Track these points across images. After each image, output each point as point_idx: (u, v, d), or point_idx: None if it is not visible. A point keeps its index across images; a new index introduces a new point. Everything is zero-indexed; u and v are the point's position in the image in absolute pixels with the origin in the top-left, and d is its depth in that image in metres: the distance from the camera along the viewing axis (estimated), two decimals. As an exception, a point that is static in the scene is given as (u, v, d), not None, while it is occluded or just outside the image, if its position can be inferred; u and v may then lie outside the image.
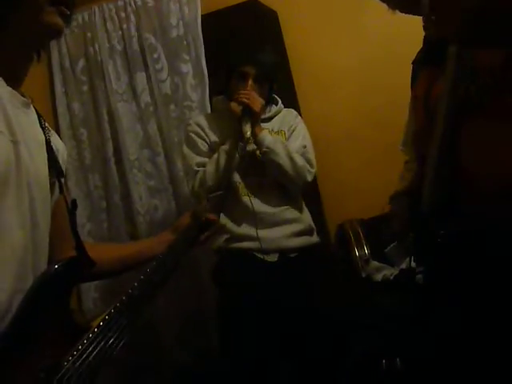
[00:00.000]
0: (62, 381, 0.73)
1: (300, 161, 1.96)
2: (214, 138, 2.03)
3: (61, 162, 0.98)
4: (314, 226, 2.07)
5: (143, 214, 2.55)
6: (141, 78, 2.61)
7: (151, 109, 2.60)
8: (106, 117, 2.60)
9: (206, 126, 2.06)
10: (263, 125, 2.02)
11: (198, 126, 2.06)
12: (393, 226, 1.28)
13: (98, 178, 2.65)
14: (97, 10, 2.64)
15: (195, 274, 2.44)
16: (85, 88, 2.66)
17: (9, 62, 0.87)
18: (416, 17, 1.04)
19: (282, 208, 1.99)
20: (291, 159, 1.94)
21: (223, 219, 1.91)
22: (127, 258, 1.16)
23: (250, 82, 1.96)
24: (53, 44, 2.64)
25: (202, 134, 2.05)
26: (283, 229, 1.96)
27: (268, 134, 1.97)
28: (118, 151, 2.59)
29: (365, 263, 2.06)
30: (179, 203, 2.56)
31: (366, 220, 2.27)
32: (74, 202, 0.95)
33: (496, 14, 0.65)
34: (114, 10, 2.63)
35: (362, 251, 2.11)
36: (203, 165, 1.99)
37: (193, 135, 2.05)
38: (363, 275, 2.04)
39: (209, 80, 2.51)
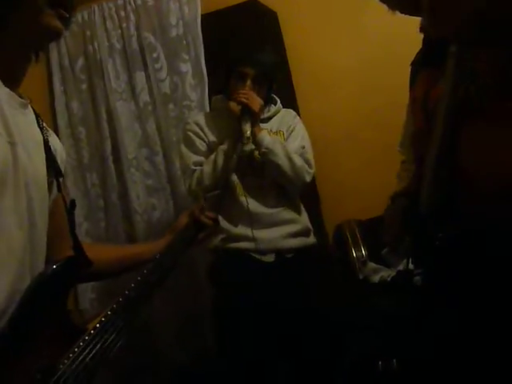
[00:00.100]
0: (58, 383, 0.73)
1: (299, 161, 1.96)
2: (212, 137, 2.03)
3: (59, 161, 0.98)
4: (311, 226, 2.07)
5: (141, 213, 2.55)
6: (140, 77, 2.60)
7: (150, 108, 2.60)
8: (104, 115, 2.60)
9: (205, 126, 2.06)
10: (262, 125, 2.01)
11: (197, 125, 2.06)
12: (383, 236, 1.28)
13: (96, 176, 2.64)
14: (96, 8, 2.63)
15: (192, 274, 2.44)
16: (84, 87, 2.66)
17: (7, 62, 0.87)
18: (416, 17, 1.04)
19: (280, 208, 1.99)
20: (290, 160, 1.94)
21: (220, 219, 1.91)
22: (126, 258, 1.16)
23: (249, 82, 1.96)
24: (52, 43, 2.64)
25: (201, 133, 2.04)
26: (280, 229, 1.96)
27: (267, 135, 1.97)
28: (116, 150, 2.59)
29: (362, 264, 2.06)
30: (177, 202, 2.56)
31: (363, 221, 2.27)
32: (72, 202, 0.95)
33: (496, 13, 0.65)
34: (113, 9, 2.63)
35: (359, 252, 2.11)
36: (200, 164, 1.98)
37: (191, 134, 2.05)
38: (360, 276, 2.04)
39: (208, 80, 2.51)
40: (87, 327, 0.81)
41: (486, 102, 0.89)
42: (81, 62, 2.66)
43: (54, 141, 1.00)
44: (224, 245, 1.96)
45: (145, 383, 2.30)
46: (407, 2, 0.95)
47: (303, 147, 2.03)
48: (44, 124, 0.97)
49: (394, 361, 1.69)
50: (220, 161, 1.93)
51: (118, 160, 2.59)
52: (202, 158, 2.00)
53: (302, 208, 2.08)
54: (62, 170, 0.98)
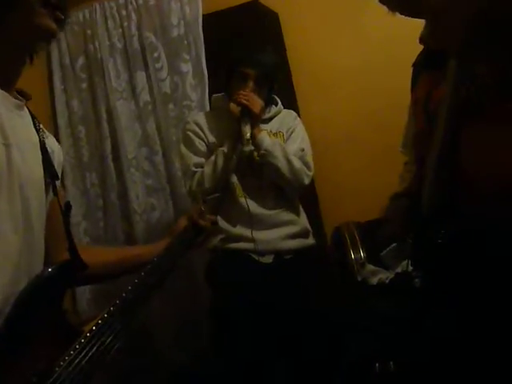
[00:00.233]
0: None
1: (297, 164, 1.96)
2: (212, 138, 2.02)
3: (56, 164, 0.98)
4: (310, 228, 2.07)
5: (140, 213, 2.55)
6: (140, 76, 2.60)
7: (150, 107, 2.60)
8: (104, 115, 2.60)
9: (205, 126, 2.05)
10: (262, 126, 2.01)
11: (197, 124, 2.06)
12: (385, 231, 1.28)
13: (96, 175, 2.64)
14: (98, 7, 2.63)
15: (190, 275, 2.43)
16: (84, 85, 2.66)
17: (1, 64, 0.86)
18: (416, 19, 1.03)
19: (279, 210, 1.99)
20: (289, 162, 1.94)
21: (219, 219, 1.90)
22: (124, 261, 1.15)
23: (251, 83, 1.96)
24: (52, 41, 2.64)
25: (201, 133, 2.04)
26: (279, 231, 1.97)
27: (267, 136, 1.97)
28: (115, 149, 2.59)
29: (360, 266, 2.06)
30: (176, 203, 2.56)
31: (362, 223, 2.27)
32: (67, 205, 0.94)
33: (498, 13, 0.65)
34: (114, 8, 2.63)
35: (357, 254, 2.11)
36: (201, 165, 1.98)
37: (191, 134, 2.04)
38: (359, 278, 2.04)
39: (208, 80, 2.50)
40: (84, 329, 0.81)
41: (487, 103, 0.89)
42: (81, 60, 2.66)
43: (51, 142, 0.99)
44: (223, 245, 1.96)
45: (142, 384, 2.29)
46: (407, 3, 0.95)
47: (302, 149, 2.03)
48: (41, 126, 0.97)
49: (391, 363, 1.69)
50: (220, 162, 1.92)
51: (117, 159, 2.59)
52: (202, 160, 1.99)
53: (301, 209, 2.08)
54: (59, 173, 0.98)
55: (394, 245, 1.70)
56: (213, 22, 2.52)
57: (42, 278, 0.81)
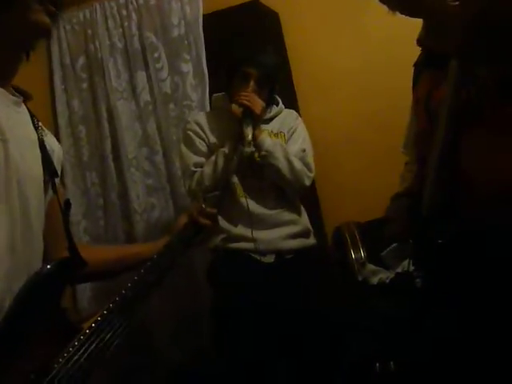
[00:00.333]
0: (52, 382, 0.72)
1: (298, 165, 1.96)
2: (212, 138, 2.02)
3: (55, 162, 0.97)
4: (311, 228, 2.07)
5: (140, 213, 2.55)
6: (141, 76, 2.60)
7: (150, 107, 2.60)
8: (105, 114, 2.60)
9: (206, 126, 2.05)
10: (263, 126, 2.01)
11: (197, 124, 2.05)
12: (387, 231, 1.28)
13: (96, 175, 2.64)
14: (98, 7, 2.63)
15: (190, 274, 2.43)
16: (84, 85, 2.66)
17: None
18: (417, 19, 1.03)
19: (280, 210, 1.99)
20: (290, 163, 1.93)
21: (220, 219, 1.90)
22: (124, 258, 1.15)
23: (252, 83, 1.96)
24: (53, 40, 2.64)
25: (201, 133, 2.04)
26: (280, 230, 1.96)
27: (268, 137, 1.97)
28: (116, 149, 2.59)
29: (361, 266, 2.06)
30: (176, 202, 2.56)
31: (362, 223, 2.27)
32: (67, 203, 0.94)
33: (496, 30, 0.65)
34: (115, 8, 2.63)
35: (358, 254, 2.11)
36: (201, 165, 1.98)
37: (191, 134, 2.04)
38: (359, 278, 2.04)
39: (209, 80, 2.50)
40: (83, 326, 0.81)
41: (487, 105, 0.89)
42: (82, 60, 2.66)
43: (51, 141, 0.99)
44: (224, 245, 1.95)
45: (141, 383, 2.30)
46: (407, 3, 0.95)
47: (304, 150, 2.03)
48: (40, 123, 0.97)
49: (392, 363, 1.69)
50: (220, 162, 1.92)
51: (117, 159, 2.59)
52: (202, 159, 1.99)
53: (302, 209, 2.08)
54: (59, 171, 0.98)
55: (395, 245, 1.70)
56: (213, 21, 2.52)
57: (40, 275, 0.81)
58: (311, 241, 2.05)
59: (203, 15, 2.54)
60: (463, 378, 0.96)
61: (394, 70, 2.09)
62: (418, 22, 1.02)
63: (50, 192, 0.96)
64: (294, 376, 1.85)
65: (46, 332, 0.78)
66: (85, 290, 2.51)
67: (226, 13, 2.53)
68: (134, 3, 2.61)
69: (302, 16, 2.67)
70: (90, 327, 0.80)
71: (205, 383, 2.12)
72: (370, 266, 2.05)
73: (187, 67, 2.56)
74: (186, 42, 2.56)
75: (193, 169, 1.98)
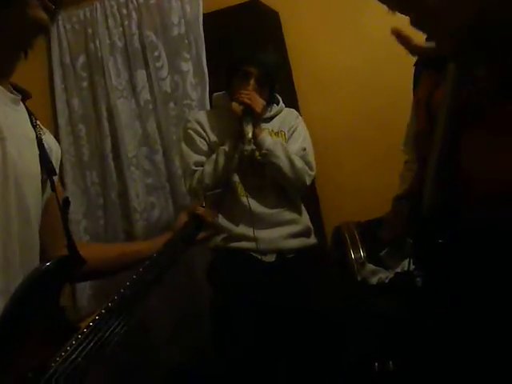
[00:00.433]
0: (49, 381, 0.72)
1: (299, 163, 1.96)
2: (213, 137, 2.02)
3: (53, 160, 0.97)
4: (311, 227, 2.07)
5: (140, 212, 2.55)
6: (141, 75, 2.60)
7: (150, 106, 2.60)
8: (105, 113, 2.60)
9: (206, 124, 2.05)
10: (263, 125, 2.01)
11: (198, 123, 2.05)
12: (383, 234, 1.28)
13: (96, 174, 2.64)
14: (98, 6, 2.63)
15: (189, 272, 2.43)
16: (84, 84, 2.66)
17: None
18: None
19: (281, 209, 1.98)
20: (291, 161, 1.93)
21: (221, 218, 1.91)
22: (124, 256, 1.15)
23: (252, 81, 1.95)
24: (53, 39, 2.64)
25: (202, 131, 2.03)
26: (281, 230, 1.96)
27: (268, 136, 1.97)
28: (116, 148, 2.59)
29: (360, 266, 2.06)
30: (176, 201, 2.56)
31: (362, 223, 2.27)
32: (65, 201, 0.94)
33: (497, 29, 0.65)
34: (115, 7, 2.63)
35: (357, 254, 2.11)
36: (201, 164, 1.98)
37: (192, 133, 2.04)
38: (358, 278, 2.04)
39: (209, 79, 2.50)
40: (81, 325, 0.81)
41: (487, 106, 0.89)
42: (82, 59, 2.66)
43: (49, 139, 0.99)
44: (225, 244, 1.95)
45: (139, 382, 2.29)
46: (406, 2, 0.94)
47: (304, 149, 2.03)
48: (38, 122, 0.96)
49: (391, 362, 1.69)
50: (221, 161, 1.92)
51: (117, 158, 2.59)
52: (202, 158, 1.99)
53: (303, 208, 2.07)
54: (57, 169, 0.98)
55: (394, 244, 1.70)
56: (213, 21, 2.52)
57: (39, 272, 0.81)
58: (312, 240, 2.05)
59: (203, 14, 2.54)
60: (463, 377, 0.96)
61: (393, 68, 2.08)
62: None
63: (49, 190, 0.96)
64: (294, 375, 1.85)
65: (44, 331, 0.78)
66: (84, 289, 2.51)
67: (226, 12, 2.53)
68: (135, 2, 2.61)
69: (302, 15, 2.67)
70: (88, 326, 0.80)
71: (204, 383, 2.12)
72: (370, 266, 2.05)
73: (187, 66, 2.56)
74: (186, 40, 2.56)
75: (193, 168, 1.97)
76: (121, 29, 2.62)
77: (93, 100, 2.64)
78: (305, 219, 2.05)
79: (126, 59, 2.62)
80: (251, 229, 1.91)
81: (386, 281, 1.93)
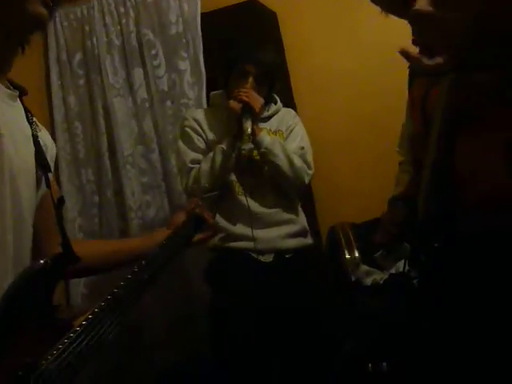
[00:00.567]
0: (39, 379, 0.72)
1: (298, 162, 1.96)
2: (211, 135, 2.01)
3: (49, 158, 0.97)
4: (308, 227, 2.07)
5: (135, 210, 2.54)
6: (138, 73, 2.59)
7: (147, 105, 2.59)
8: (101, 111, 2.59)
9: (204, 122, 2.04)
10: (261, 124, 2.00)
11: (195, 121, 2.04)
12: (378, 236, 1.28)
13: (91, 172, 2.63)
14: (96, 3, 2.62)
15: (184, 272, 2.43)
16: (81, 82, 2.65)
17: None
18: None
19: (278, 209, 1.98)
20: (290, 160, 1.93)
21: (219, 218, 1.90)
22: (119, 253, 1.15)
23: (251, 80, 1.95)
24: (50, 36, 2.63)
25: (199, 129, 2.02)
26: (279, 229, 1.96)
27: (267, 135, 1.96)
28: (112, 146, 2.58)
29: (355, 267, 2.06)
30: (172, 200, 2.56)
31: (357, 224, 2.27)
32: (60, 199, 0.94)
33: (496, 33, 0.64)
34: (113, 5, 2.62)
35: (352, 255, 2.11)
36: (198, 162, 1.96)
37: (189, 130, 2.02)
38: (353, 279, 2.04)
39: (206, 78, 2.50)
40: (73, 324, 0.80)
41: (485, 109, 0.89)
42: (79, 56, 2.65)
43: (45, 136, 0.99)
44: (223, 244, 1.95)
45: (133, 382, 2.29)
46: (399, 4, 0.94)
47: (302, 148, 2.02)
48: (34, 119, 0.96)
49: (384, 363, 1.69)
50: (218, 159, 1.90)
51: (113, 156, 2.58)
52: (199, 156, 1.97)
53: (300, 209, 2.07)
54: (52, 166, 0.97)
55: (389, 246, 1.71)
56: (211, 20, 2.52)
57: (32, 270, 0.80)
58: (309, 240, 2.05)
59: (201, 13, 2.54)
60: (456, 378, 0.96)
61: (389, 71, 2.09)
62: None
63: (44, 187, 0.95)
64: (288, 375, 1.86)
65: (36, 329, 0.78)
66: (78, 287, 2.51)
67: (224, 11, 2.53)
68: (132, 0, 2.61)
69: (300, 16, 2.67)
70: (81, 325, 0.79)
71: (198, 383, 2.12)
72: (364, 267, 2.06)
73: (184, 65, 2.55)
74: (183, 39, 2.55)
75: (190, 165, 1.96)
76: (118, 27, 2.61)
77: (89, 98, 2.63)
78: (302, 219, 2.05)
79: (123, 57, 2.62)
80: (249, 228, 1.91)
81: (380, 282, 1.94)
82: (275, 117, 2.09)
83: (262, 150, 1.91)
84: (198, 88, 2.52)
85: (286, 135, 2.06)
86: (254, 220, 1.92)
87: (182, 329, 2.41)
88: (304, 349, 1.81)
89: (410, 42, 1.01)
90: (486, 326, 0.91)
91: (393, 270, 1.82)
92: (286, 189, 2.00)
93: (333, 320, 1.81)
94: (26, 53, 0.92)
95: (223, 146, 1.92)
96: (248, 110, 1.89)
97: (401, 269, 1.20)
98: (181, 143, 2.03)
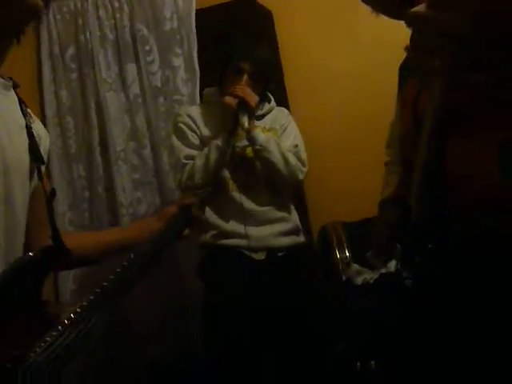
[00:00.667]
0: (27, 372, 0.71)
1: (293, 160, 1.96)
2: (205, 131, 2.01)
3: (42, 149, 0.96)
4: (300, 226, 2.07)
5: (126, 206, 2.52)
6: (131, 68, 2.58)
7: (140, 100, 2.58)
8: (93, 106, 2.57)
9: (198, 119, 2.03)
10: (255, 122, 2.00)
11: (189, 117, 2.03)
12: (371, 239, 1.28)
13: (83, 167, 2.61)
14: (90, -3, 2.61)
15: (175, 268, 2.42)
16: (73, 76, 2.63)
17: None
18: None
19: (271, 207, 1.98)
20: (284, 158, 1.93)
21: (211, 215, 1.90)
22: (110, 244, 1.15)
23: (246, 77, 1.94)
24: (43, 29, 2.61)
25: (193, 126, 2.02)
26: (272, 227, 1.96)
27: (261, 132, 1.96)
28: (103, 142, 2.56)
29: (346, 266, 2.07)
30: (163, 197, 2.54)
31: (348, 223, 2.28)
32: (52, 192, 0.93)
33: (494, 33, 0.65)
34: (107, -1, 2.60)
35: (343, 254, 2.12)
36: (192, 158, 1.96)
37: (183, 126, 2.02)
38: (343, 278, 2.05)
39: (200, 75, 2.49)
40: (62, 317, 0.80)
41: (475, 110, 0.90)
42: (71, 50, 2.63)
43: (39, 127, 0.98)
44: (215, 241, 1.94)
45: (122, 376, 2.28)
46: (391, 4, 0.94)
47: (296, 146, 2.03)
48: (28, 110, 0.95)
49: (373, 362, 1.70)
50: (213, 155, 1.90)
51: (105, 152, 2.56)
52: (193, 152, 1.97)
53: (292, 207, 2.08)
54: (45, 158, 0.97)
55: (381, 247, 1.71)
56: (206, 17, 2.51)
57: (22, 262, 0.80)
58: (301, 238, 2.05)
59: (196, 10, 2.53)
60: (447, 378, 0.97)
61: (385, 71, 2.08)
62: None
63: (36, 179, 0.95)
64: (280, 373, 1.86)
65: (24, 321, 0.77)
66: (67, 283, 2.49)
67: (218, 8, 2.53)
68: (126, -5, 2.59)
69: (296, 15, 2.67)
70: (69, 318, 0.79)
71: (189, 379, 2.11)
72: (355, 266, 2.06)
73: (178, 61, 2.54)
74: (178, 36, 2.54)
75: (184, 161, 1.95)
76: (112, 21, 2.59)
77: (81, 92, 2.61)
78: (294, 217, 2.06)
79: (116, 52, 2.59)
80: (242, 226, 1.91)
81: (371, 281, 1.95)
82: (269, 115, 2.09)
83: (257, 146, 1.91)
84: (192, 85, 2.51)
85: (279, 133, 2.06)
86: (246, 217, 1.91)
87: (173, 324, 2.40)
88: (296, 347, 1.81)
89: (409, 41, 1.01)
90: (480, 327, 0.92)
91: (383, 270, 1.83)
92: (281, 186, 2.00)
93: (325, 318, 1.82)
94: (17, 46, 0.91)
95: (218, 142, 1.92)
96: (244, 105, 1.89)
97: (392, 269, 1.21)
98: (175, 139, 2.02)
